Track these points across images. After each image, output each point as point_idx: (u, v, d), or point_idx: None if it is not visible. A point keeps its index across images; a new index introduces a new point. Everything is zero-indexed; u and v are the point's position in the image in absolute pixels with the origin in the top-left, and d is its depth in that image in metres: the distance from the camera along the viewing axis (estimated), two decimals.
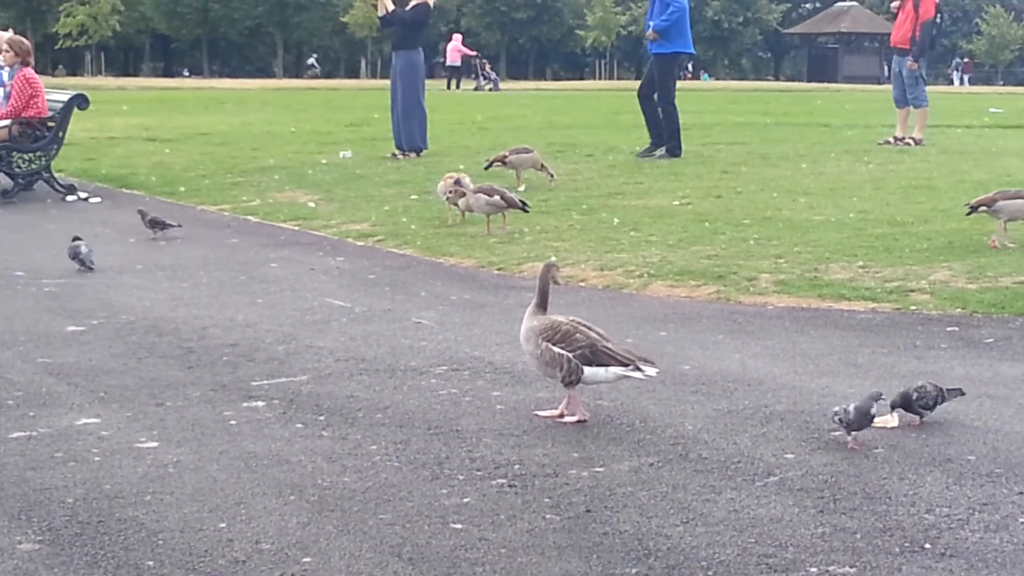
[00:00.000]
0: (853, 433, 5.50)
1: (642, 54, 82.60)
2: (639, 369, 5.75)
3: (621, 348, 5.86)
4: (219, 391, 6.54)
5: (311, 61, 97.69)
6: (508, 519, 4.66)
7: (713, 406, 6.20)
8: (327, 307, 8.90)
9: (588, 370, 5.78)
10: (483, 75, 64.46)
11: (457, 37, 65.25)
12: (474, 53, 67.60)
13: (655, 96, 19.14)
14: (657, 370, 5.81)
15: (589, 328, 5.93)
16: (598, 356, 5.77)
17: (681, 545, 4.39)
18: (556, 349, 5.84)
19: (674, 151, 19.15)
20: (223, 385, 6.66)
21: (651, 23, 19.01)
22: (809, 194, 14.65)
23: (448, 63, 63.88)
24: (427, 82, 20.30)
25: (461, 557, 4.30)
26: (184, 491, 5.00)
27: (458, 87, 61.02)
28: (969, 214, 10.92)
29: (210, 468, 5.28)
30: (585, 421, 5.91)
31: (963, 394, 6.00)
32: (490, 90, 60.71)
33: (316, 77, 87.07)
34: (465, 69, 64.68)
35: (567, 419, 5.95)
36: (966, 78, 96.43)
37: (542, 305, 6.08)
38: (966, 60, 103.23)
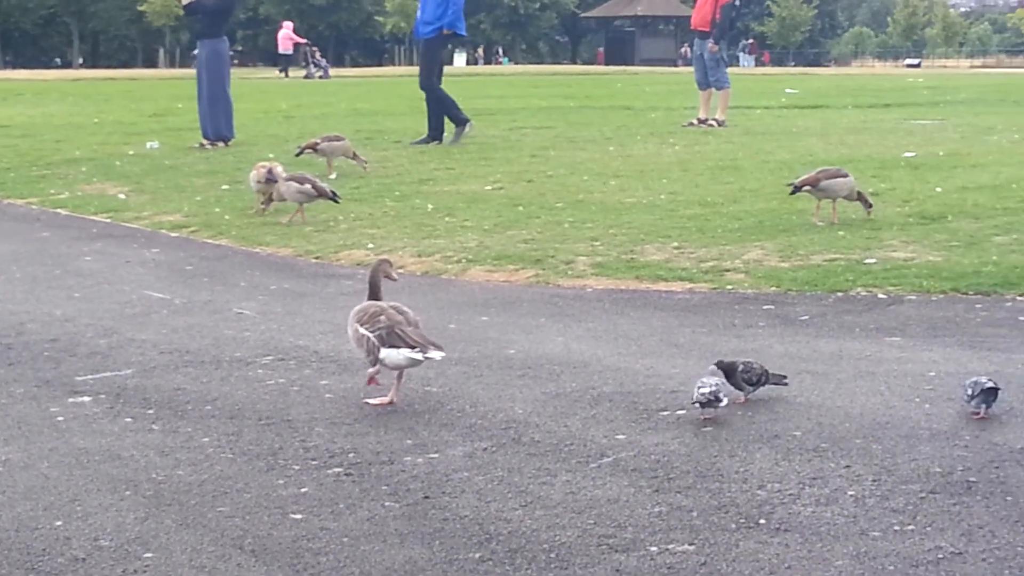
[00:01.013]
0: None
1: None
2: (425, 353, 5.77)
3: (416, 333, 5.87)
4: (43, 387, 6.38)
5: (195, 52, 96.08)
6: (347, 508, 4.63)
7: (541, 389, 6.25)
8: (146, 299, 8.73)
9: (383, 351, 5.81)
10: (313, 63, 64.08)
11: (288, 25, 64.76)
12: (304, 41, 67.14)
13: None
14: (443, 354, 5.82)
15: (403, 313, 5.96)
16: (391, 337, 5.81)
17: (521, 528, 4.41)
18: (362, 330, 5.91)
19: (435, 136, 19.23)
20: (47, 381, 6.50)
21: (441, 22, 19.03)
22: (619, 176, 14.84)
23: (280, 51, 63.39)
24: (242, 70, 20.07)
25: (303, 547, 4.27)
26: (16, 490, 4.87)
27: (287, 75, 60.57)
28: (793, 193, 11.16)
29: (40, 466, 5.15)
30: (391, 404, 5.94)
31: (787, 384, 6.11)
32: (320, 78, 60.31)
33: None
34: (295, 57, 64.25)
35: (371, 401, 6.00)
36: (752, 59, 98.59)
37: (373, 300, 6.14)
38: (751, 41, 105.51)
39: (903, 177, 14.25)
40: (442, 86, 19.33)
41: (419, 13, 19.67)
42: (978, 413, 5.62)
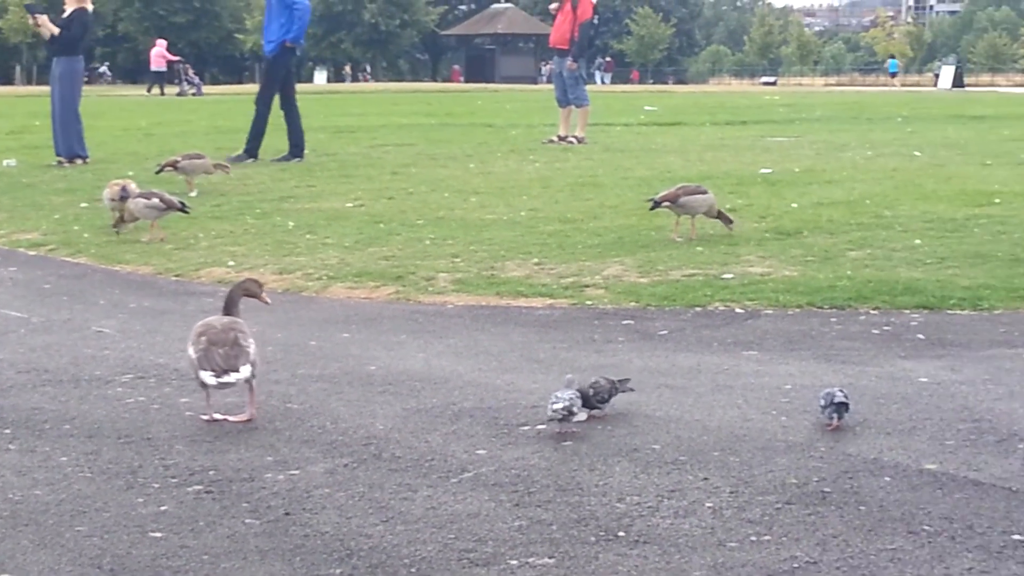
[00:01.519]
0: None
1: (302, 56, 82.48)
2: (220, 378, 5.72)
3: (222, 354, 5.80)
4: None
5: (103, 68, 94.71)
6: (207, 525, 4.60)
7: (402, 405, 6.25)
8: (3, 318, 8.57)
9: (200, 372, 5.79)
10: (186, 80, 63.41)
11: (161, 43, 63.99)
12: (177, 58, 66.40)
13: (293, 100, 19.16)
14: (240, 376, 5.77)
15: (232, 331, 5.89)
16: (204, 359, 5.77)
17: (383, 544, 4.41)
18: (189, 351, 5.89)
19: (252, 152, 19.17)
20: None
21: (285, 37, 18.97)
22: (480, 193, 14.90)
23: (153, 68, 62.62)
24: (99, 88, 19.82)
25: (163, 565, 4.22)
26: None
27: (162, 93, 59.82)
28: (653, 209, 11.28)
29: None
30: (212, 421, 5.92)
31: (632, 389, 6.18)
32: (193, 95, 59.66)
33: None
34: (168, 75, 63.50)
35: (216, 416, 5.98)
36: (608, 77, 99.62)
37: (227, 314, 6.10)
38: (608, 59, 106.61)
39: (760, 193, 14.50)
40: (296, 102, 19.22)
41: (264, 32, 19.61)
42: (831, 424, 5.74)
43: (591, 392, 5.91)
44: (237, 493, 4.94)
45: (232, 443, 5.62)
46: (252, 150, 19.17)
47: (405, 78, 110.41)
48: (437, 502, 4.83)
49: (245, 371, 5.79)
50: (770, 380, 6.66)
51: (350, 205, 14.07)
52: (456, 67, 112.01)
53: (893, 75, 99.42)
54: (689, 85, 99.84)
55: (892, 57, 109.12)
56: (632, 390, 6.19)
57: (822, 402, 5.77)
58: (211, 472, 5.20)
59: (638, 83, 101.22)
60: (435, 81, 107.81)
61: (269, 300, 6.54)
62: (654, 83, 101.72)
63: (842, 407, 5.73)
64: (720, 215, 11.29)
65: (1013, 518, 4.64)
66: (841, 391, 5.78)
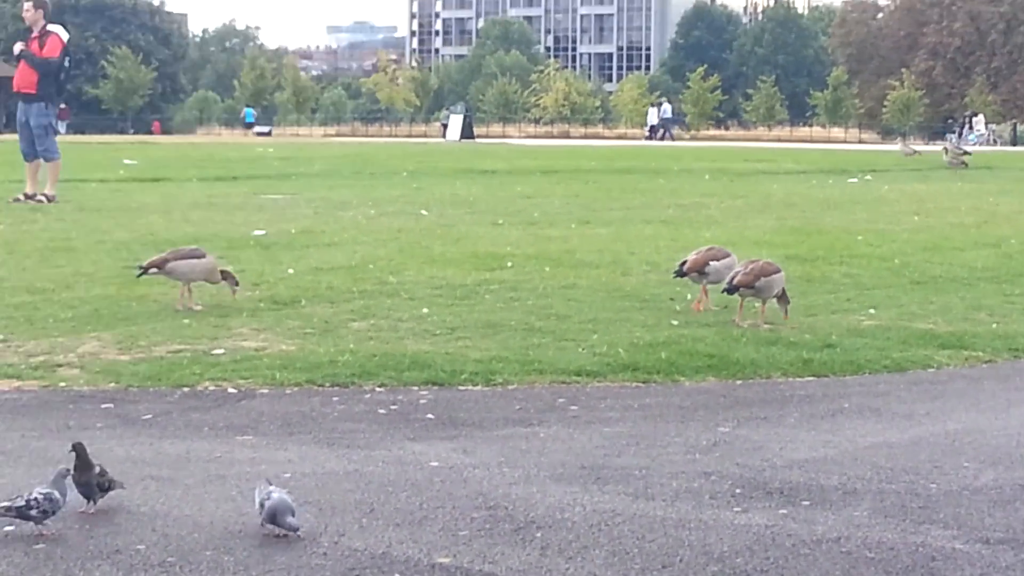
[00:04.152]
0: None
1: None
2: None
3: None
4: None
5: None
6: None
7: None
8: None
9: None
10: None
11: None
12: None
13: None
14: None
15: None
16: None
17: None
18: None
19: None
20: None
21: None
22: None
23: None
24: None
25: None
26: None
27: None
28: (140, 276, 11.24)
29: None
30: None
31: (123, 486, 6.08)
32: None
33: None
34: None
35: None
36: (65, 125, 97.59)
37: None
38: (63, 107, 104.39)
39: (253, 258, 14.60)
40: None
41: None
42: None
43: (96, 471, 5.82)
44: None
45: None
46: None
47: None
48: None
49: None
50: (267, 468, 6.71)
51: None
52: None
53: (249, 126, 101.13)
54: (175, 135, 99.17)
55: (249, 106, 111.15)
56: (123, 487, 6.09)
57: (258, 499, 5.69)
58: None
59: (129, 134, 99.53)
60: None
61: None
62: (135, 133, 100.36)
63: (276, 514, 5.54)
64: (225, 276, 11.35)
65: None
66: (277, 492, 5.64)
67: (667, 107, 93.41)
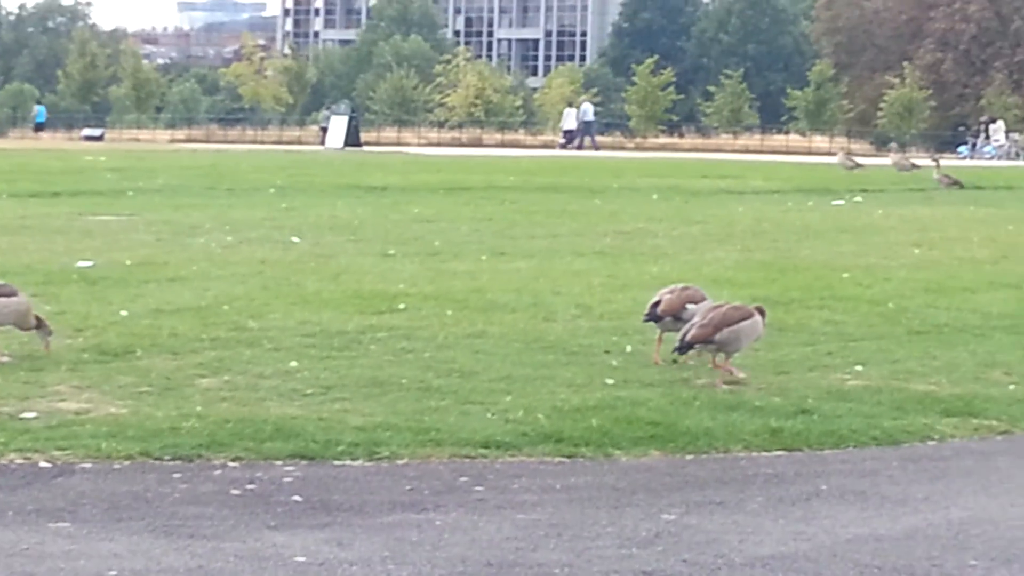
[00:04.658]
0: None
1: None
2: None
3: None
4: None
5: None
6: None
7: None
8: None
9: None
10: None
11: None
12: None
13: None
14: None
15: None
16: None
17: None
18: None
19: None
20: None
21: None
22: None
23: None
24: None
25: None
26: None
27: None
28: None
29: None
30: None
31: None
32: None
33: None
34: None
35: None
36: None
37: None
38: None
39: (76, 296, 14.50)
40: None
41: None
42: None
43: None
44: None
45: None
46: None
47: None
48: None
49: None
50: (88, 565, 6.67)
51: None
52: None
53: (39, 127, 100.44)
54: None
55: (39, 102, 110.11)
56: None
57: None
58: None
59: None
60: None
61: None
62: None
63: None
64: (39, 324, 11.29)
65: None
66: None
67: (588, 107, 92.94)
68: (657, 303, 11.79)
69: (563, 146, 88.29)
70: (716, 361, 11.25)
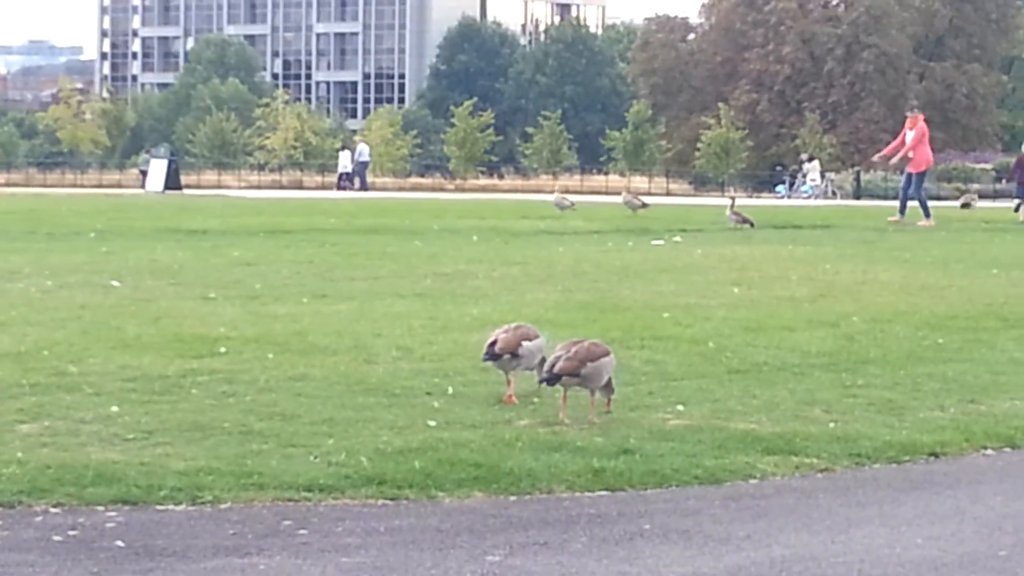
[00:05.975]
0: None
1: None
2: None
3: None
4: None
5: None
6: None
7: None
8: None
9: None
10: None
11: None
12: None
13: None
14: None
15: None
16: None
17: None
18: None
19: None
20: None
21: None
22: None
23: None
24: None
25: None
26: None
27: None
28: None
29: None
30: None
31: None
32: None
33: None
34: None
35: None
36: None
37: None
38: None
39: None
40: None
41: None
42: None
43: None
44: None
45: None
46: None
47: None
48: None
49: None
50: None
51: None
52: None
53: None
54: None
55: None
56: None
57: None
58: None
59: None
60: None
61: None
62: None
63: None
64: None
65: None
66: None
67: (363, 148, 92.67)
68: (494, 342, 11.84)
69: (339, 188, 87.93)
70: (593, 399, 11.33)
